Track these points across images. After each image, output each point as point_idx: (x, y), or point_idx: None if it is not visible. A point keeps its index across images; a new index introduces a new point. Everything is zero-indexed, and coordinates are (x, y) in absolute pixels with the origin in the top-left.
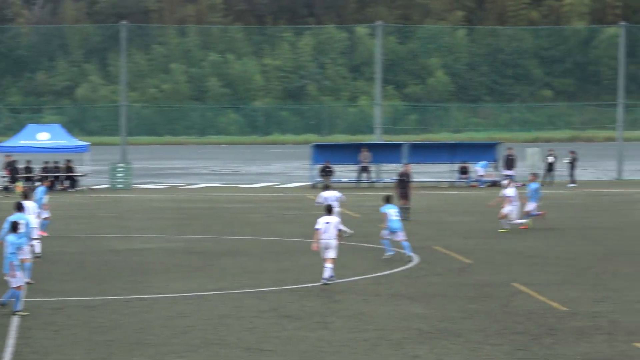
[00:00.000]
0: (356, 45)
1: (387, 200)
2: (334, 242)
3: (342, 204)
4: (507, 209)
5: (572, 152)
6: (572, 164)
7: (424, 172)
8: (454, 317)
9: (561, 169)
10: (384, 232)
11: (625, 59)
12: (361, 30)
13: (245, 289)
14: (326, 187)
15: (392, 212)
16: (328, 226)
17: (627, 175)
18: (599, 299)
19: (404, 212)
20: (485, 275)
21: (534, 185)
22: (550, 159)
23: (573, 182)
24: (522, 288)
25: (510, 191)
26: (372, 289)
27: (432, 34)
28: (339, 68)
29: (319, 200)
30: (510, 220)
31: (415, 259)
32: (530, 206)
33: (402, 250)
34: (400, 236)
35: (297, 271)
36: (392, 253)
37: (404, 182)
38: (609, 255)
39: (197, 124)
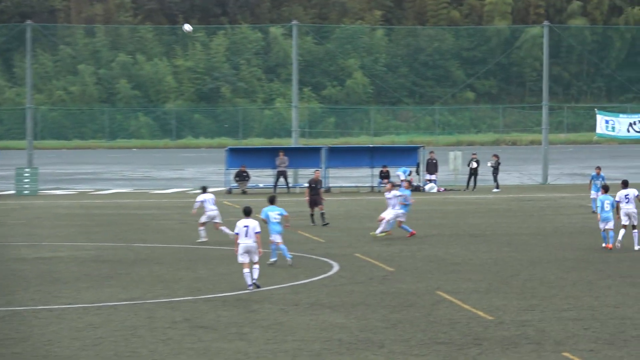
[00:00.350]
0: (271, 45)
1: (271, 201)
2: (254, 246)
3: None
4: (388, 212)
5: (495, 156)
6: (496, 169)
7: (343, 177)
8: (376, 327)
9: (485, 174)
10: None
11: (548, 60)
12: (276, 30)
13: (158, 299)
14: (204, 189)
15: (273, 214)
16: (247, 229)
17: (552, 180)
18: (525, 307)
19: (320, 218)
20: (408, 284)
21: (407, 192)
22: (474, 163)
23: (497, 187)
24: (446, 296)
25: (391, 194)
26: (291, 298)
27: (350, 34)
28: (254, 69)
29: (196, 203)
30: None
31: (335, 267)
32: (402, 216)
33: (286, 256)
34: (277, 239)
35: (213, 280)
36: (274, 259)
37: (314, 189)
38: (535, 262)
39: (107, 127)
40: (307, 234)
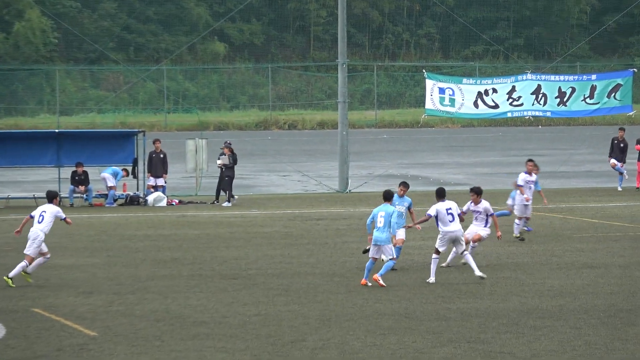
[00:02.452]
0: None
1: None
2: None
3: None
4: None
5: (228, 149)
6: (230, 169)
7: (11, 183)
8: None
9: (250, 176)
10: None
11: None
12: None
13: None
14: None
15: None
16: None
17: (355, 186)
18: None
19: None
20: (120, 357)
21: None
22: (224, 158)
23: (228, 199)
24: None
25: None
26: None
27: None
28: None
29: None
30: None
31: (1, 331)
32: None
33: None
34: None
35: None
36: None
37: None
38: (329, 320)
39: None
40: None
